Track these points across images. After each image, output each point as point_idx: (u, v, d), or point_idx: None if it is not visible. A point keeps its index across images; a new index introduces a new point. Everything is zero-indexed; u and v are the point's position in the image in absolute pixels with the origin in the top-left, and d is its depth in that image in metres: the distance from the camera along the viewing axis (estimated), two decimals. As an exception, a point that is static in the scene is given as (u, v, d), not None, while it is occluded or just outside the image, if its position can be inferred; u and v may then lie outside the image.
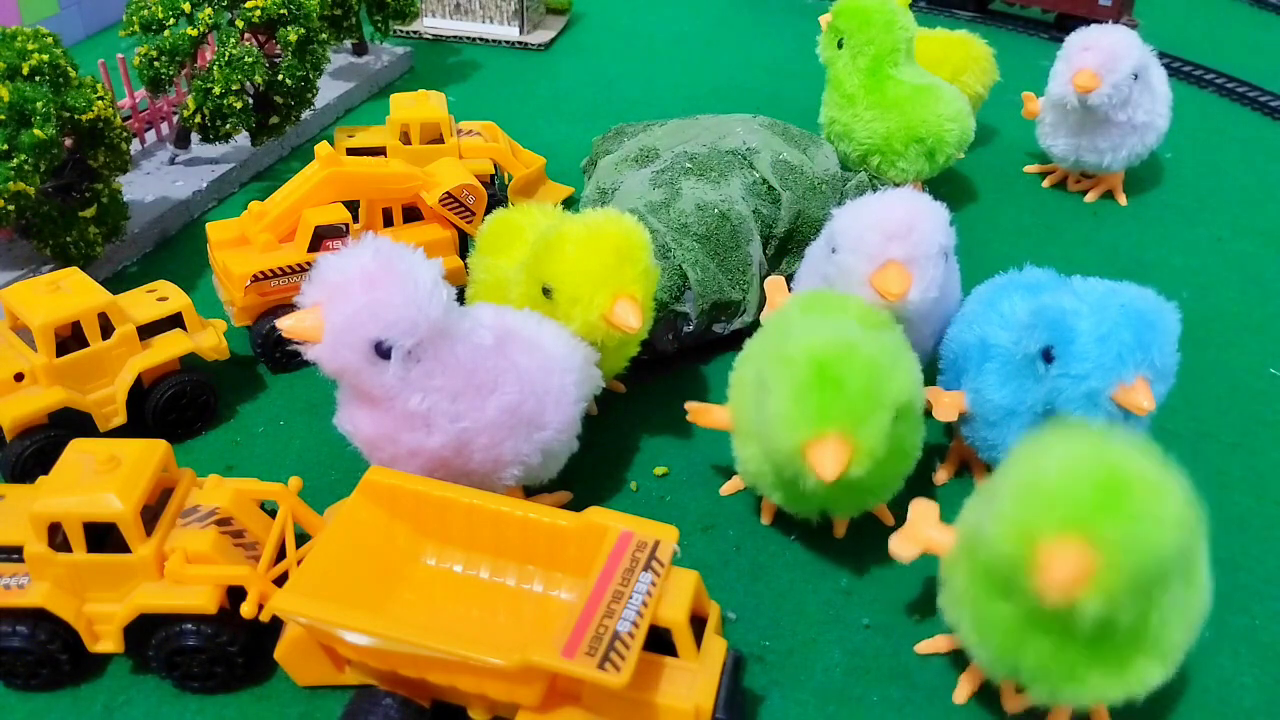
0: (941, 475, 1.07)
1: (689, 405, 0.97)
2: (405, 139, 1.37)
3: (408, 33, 2.08)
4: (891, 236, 0.95)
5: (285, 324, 0.81)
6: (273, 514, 0.89)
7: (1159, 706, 0.84)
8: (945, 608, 0.79)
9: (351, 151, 1.36)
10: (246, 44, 1.36)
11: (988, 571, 0.72)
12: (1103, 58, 1.43)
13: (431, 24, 2.10)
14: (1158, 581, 0.66)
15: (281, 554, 0.84)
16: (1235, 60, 2.13)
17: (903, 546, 0.80)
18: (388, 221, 1.22)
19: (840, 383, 0.79)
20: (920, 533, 0.80)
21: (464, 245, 1.26)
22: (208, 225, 1.19)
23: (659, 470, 1.06)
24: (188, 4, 1.35)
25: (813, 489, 0.82)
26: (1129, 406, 0.80)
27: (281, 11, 1.36)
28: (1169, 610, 0.70)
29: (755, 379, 0.88)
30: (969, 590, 0.74)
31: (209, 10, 1.35)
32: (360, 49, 1.88)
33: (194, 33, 1.36)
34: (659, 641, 0.75)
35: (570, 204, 1.49)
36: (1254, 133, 1.88)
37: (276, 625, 0.81)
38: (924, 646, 0.88)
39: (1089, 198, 1.61)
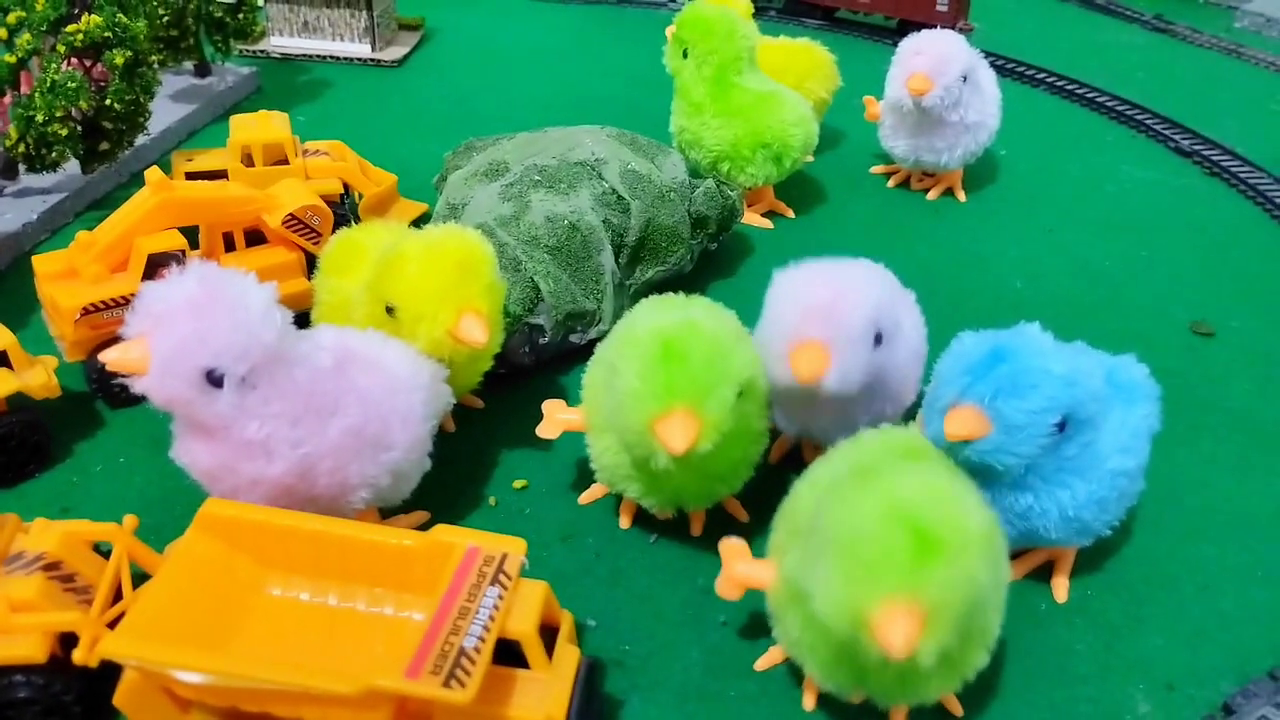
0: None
1: (540, 428, 0.97)
2: (248, 161, 1.34)
3: (255, 52, 2.03)
4: (811, 314, 0.87)
5: (109, 356, 0.78)
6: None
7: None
8: (781, 641, 0.82)
9: (191, 175, 1.32)
10: (70, 69, 1.31)
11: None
12: (933, 61, 1.50)
13: (279, 43, 2.06)
14: (982, 602, 0.69)
15: (119, 596, 0.81)
16: (1065, 59, 2.25)
17: (727, 589, 0.82)
18: (230, 246, 1.19)
19: (685, 357, 0.81)
20: (739, 574, 0.82)
21: (312, 267, 1.23)
22: (34, 258, 1.13)
23: (518, 483, 1.06)
24: (4, 30, 1.29)
25: (664, 468, 0.84)
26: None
27: (106, 35, 1.31)
28: (988, 608, 0.75)
29: (605, 373, 0.89)
30: (806, 634, 0.77)
31: (28, 36, 1.29)
32: (203, 70, 1.83)
33: (12, 59, 1.30)
34: (513, 655, 0.75)
35: (423, 221, 1.47)
36: (1082, 128, 1.99)
37: (118, 670, 0.78)
38: (762, 663, 0.88)
39: (931, 195, 1.68)
